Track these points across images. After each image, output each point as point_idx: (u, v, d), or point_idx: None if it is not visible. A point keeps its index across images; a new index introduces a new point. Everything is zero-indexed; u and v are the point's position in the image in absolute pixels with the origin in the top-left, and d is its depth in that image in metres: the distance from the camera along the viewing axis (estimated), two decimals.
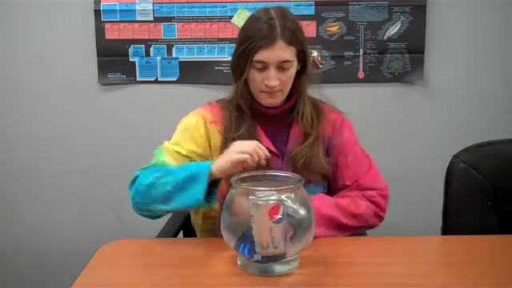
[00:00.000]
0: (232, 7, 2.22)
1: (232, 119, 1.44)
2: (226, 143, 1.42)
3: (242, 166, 1.28)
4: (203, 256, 1.29)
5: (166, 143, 1.47)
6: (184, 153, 1.43)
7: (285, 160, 1.44)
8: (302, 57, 1.43)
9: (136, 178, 1.40)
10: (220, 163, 1.29)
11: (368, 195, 1.46)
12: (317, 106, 1.50)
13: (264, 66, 1.38)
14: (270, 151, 1.42)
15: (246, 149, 1.28)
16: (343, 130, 1.49)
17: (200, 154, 1.44)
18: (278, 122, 1.46)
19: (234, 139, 1.39)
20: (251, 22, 1.42)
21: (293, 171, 1.36)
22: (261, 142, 1.42)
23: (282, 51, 1.36)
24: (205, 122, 1.47)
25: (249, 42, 1.37)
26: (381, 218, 1.47)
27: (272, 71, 1.37)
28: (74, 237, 2.37)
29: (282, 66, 1.38)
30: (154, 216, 1.41)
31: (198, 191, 1.28)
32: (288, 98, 1.46)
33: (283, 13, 1.41)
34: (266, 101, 1.42)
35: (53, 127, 2.34)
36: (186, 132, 1.46)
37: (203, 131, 1.46)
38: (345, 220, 1.40)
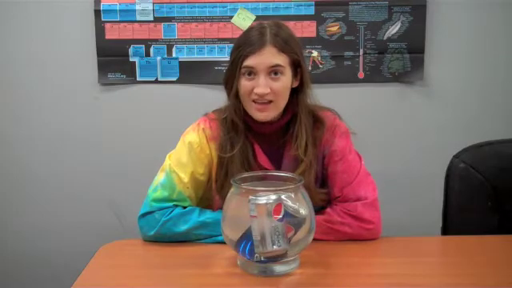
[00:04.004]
0: (232, 7, 2.22)
1: (227, 138, 1.40)
2: (220, 162, 1.41)
3: None
4: (203, 256, 1.29)
5: (172, 164, 1.41)
6: (189, 179, 1.39)
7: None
8: (300, 72, 1.38)
9: (149, 213, 1.37)
10: None
11: (348, 208, 1.36)
12: (317, 119, 1.43)
13: (253, 73, 1.33)
14: (267, 170, 1.39)
15: None
16: (335, 139, 1.42)
17: (203, 173, 1.42)
18: (274, 140, 1.42)
19: (228, 158, 1.38)
20: (243, 33, 1.40)
21: None
22: (256, 159, 1.40)
23: (272, 56, 1.32)
24: (207, 140, 1.43)
25: (238, 51, 1.34)
26: (369, 229, 1.36)
27: (262, 78, 1.32)
28: (74, 237, 2.37)
29: (273, 72, 1.33)
30: None
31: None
32: (283, 113, 1.40)
33: (277, 24, 1.38)
34: (257, 114, 1.36)
35: (53, 127, 2.34)
36: (192, 152, 1.41)
37: (208, 150, 1.42)
38: (317, 236, 1.27)
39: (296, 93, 1.40)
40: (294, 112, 1.41)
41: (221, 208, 1.26)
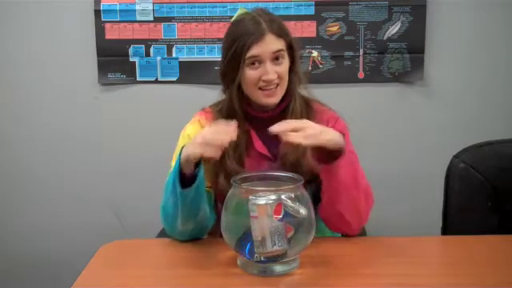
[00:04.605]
0: (232, 7, 2.22)
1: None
2: None
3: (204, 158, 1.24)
4: (203, 256, 1.29)
5: (172, 162, 1.40)
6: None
7: (278, 163, 1.42)
8: (291, 53, 1.42)
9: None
10: (186, 152, 1.25)
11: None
12: (309, 106, 1.48)
13: (258, 62, 1.36)
14: (264, 156, 1.43)
15: (206, 138, 1.22)
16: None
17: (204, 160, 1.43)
18: (271, 125, 1.42)
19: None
20: (234, 25, 1.41)
21: None
22: (253, 146, 1.42)
23: (273, 43, 1.36)
24: (202, 128, 1.44)
25: (238, 42, 1.35)
26: (362, 221, 1.39)
27: (268, 65, 1.36)
28: (74, 237, 2.37)
29: (276, 58, 1.37)
30: (192, 236, 1.37)
31: (172, 177, 1.27)
32: (281, 99, 1.44)
33: (264, 11, 1.43)
34: (265, 100, 1.40)
35: (53, 127, 2.34)
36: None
37: None
38: (360, 179, 1.34)
39: (289, 73, 1.44)
40: (289, 95, 1.45)
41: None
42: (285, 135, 1.23)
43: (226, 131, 1.23)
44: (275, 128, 1.24)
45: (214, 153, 1.22)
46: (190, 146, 1.25)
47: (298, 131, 1.24)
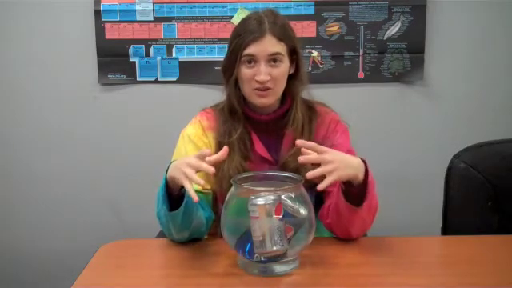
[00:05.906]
0: (232, 7, 2.22)
1: (226, 125, 1.43)
2: (220, 148, 1.41)
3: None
4: (203, 256, 1.29)
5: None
6: None
7: (278, 167, 1.41)
8: (295, 58, 1.42)
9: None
10: (172, 174, 1.22)
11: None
12: (312, 109, 1.48)
13: (254, 61, 1.36)
14: (264, 158, 1.42)
15: (181, 169, 1.18)
16: (336, 134, 1.46)
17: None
18: (272, 129, 1.44)
19: (228, 144, 1.37)
20: (241, 22, 1.43)
21: None
22: (254, 148, 1.42)
23: (272, 45, 1.36)
24: (203, 130, 1.46)
25: (238, 39, 1.37)
26: (364, 232, 1.39)
27: (262, 66, 1.36)
28: (74, 237, 2.37)
29: (272, 60, 1.36)
30: (191, 238, 1.35)
31: (160, 194, 1.26)
32: (281, 103, 1.45)
33: (272, 12, 1.42)
34: (258, 100, 1.39)
35: (53, 127, 2.34)
36: (191, 143, 1.44)
37: (206, 139, 1.45)
38: (374, 202, 1.32)
39: (292, 79, 1.44)
40: (291, 100, 1.44)
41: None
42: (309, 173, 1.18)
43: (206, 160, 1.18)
44: (300, 143, 1.22)
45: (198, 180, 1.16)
46: (176, 170, 1.20)
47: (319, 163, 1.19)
